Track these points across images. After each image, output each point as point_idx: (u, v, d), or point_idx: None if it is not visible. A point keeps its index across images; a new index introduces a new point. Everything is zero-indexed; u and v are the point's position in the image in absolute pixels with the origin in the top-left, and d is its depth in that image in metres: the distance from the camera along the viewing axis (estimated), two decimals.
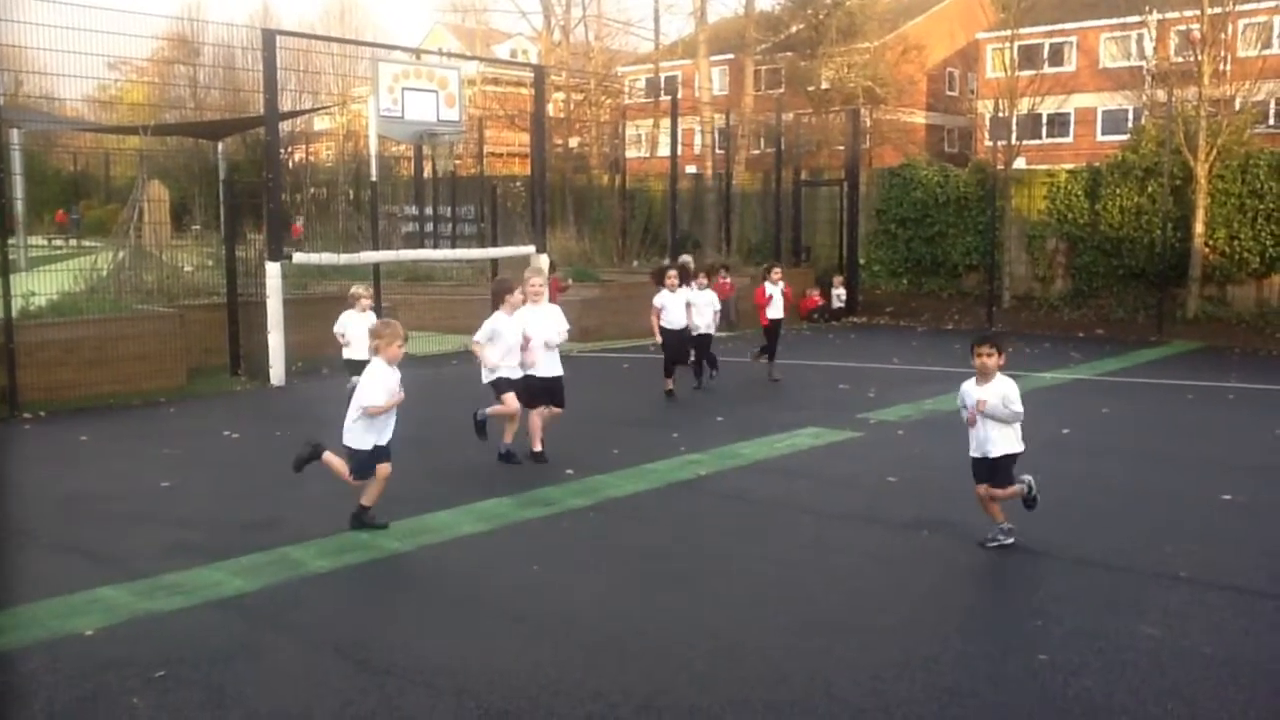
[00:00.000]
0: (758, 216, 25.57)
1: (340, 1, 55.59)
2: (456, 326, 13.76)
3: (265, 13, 47.97)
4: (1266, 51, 23.77)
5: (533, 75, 18.66)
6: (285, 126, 27.64)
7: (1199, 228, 19.48)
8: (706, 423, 11.30)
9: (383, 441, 7.23)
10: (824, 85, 39.48)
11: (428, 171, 26.88)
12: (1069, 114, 40.96)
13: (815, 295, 22.16)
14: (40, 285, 13.23)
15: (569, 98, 35.46)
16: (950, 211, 22.66)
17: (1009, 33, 23.21)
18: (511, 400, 9.08)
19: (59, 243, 31.03)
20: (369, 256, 15.54)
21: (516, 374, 9.16)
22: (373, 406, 7.07)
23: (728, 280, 16.85)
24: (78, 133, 34.63)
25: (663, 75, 37.56)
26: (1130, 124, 31.12)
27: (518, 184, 26.82)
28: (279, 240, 13.86)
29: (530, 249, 16.77)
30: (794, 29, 40.51)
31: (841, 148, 26.93)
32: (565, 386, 9.55)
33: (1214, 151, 19.29)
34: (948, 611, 6.13)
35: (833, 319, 21.93)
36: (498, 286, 9.47)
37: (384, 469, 7.26)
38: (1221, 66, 20.53)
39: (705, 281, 13.65)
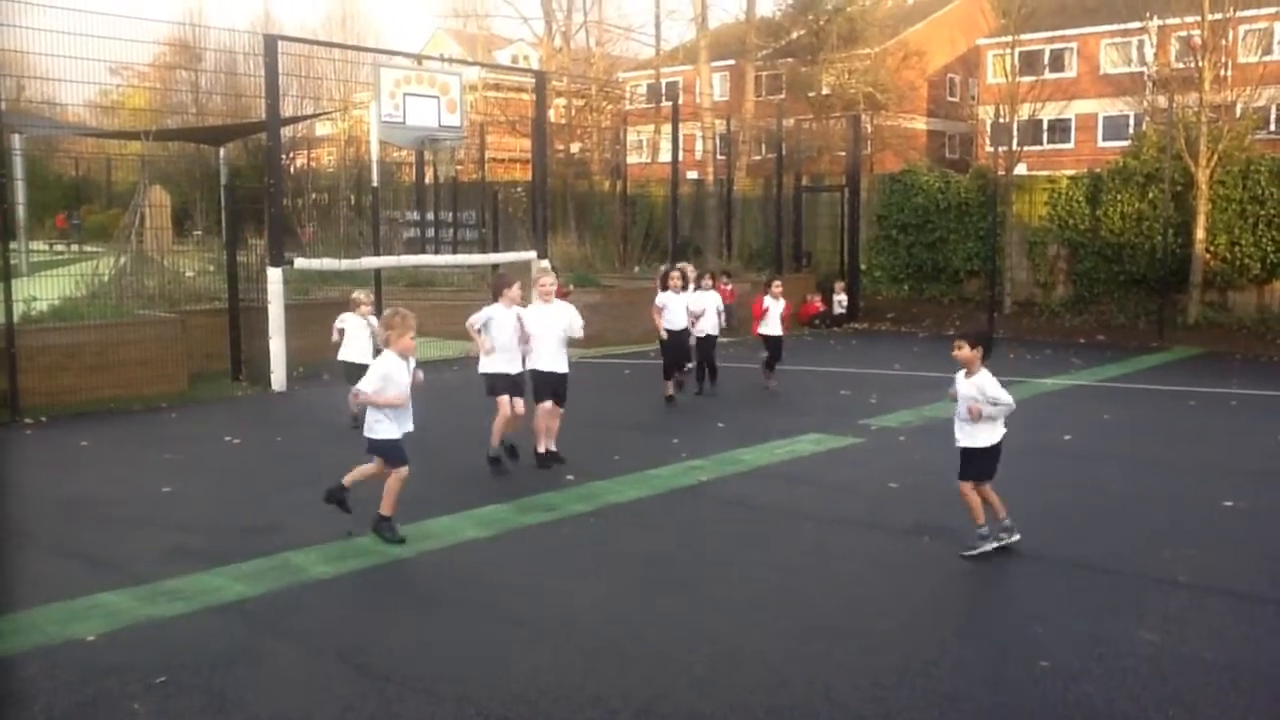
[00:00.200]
0: (759, 222, 25.59)
1: (342, 7, 55.82)
2: (458, 332, 13.67)
3: (267, 18, 48.11)
4: (1267, 58, 23.74)
5: (534, 81, 18.69)
6: (287, 132, 27.68)
7: (1200, 233, 19.49)
8: (708, 428, 11.30)
9: (410, 429, 7.24)
10: (825, 91, 39.50)
11: (429, 177, 26.95)
12: (1070, 120, 40.93)
13: (817, 301, 22.18)
14: (42, 290, 13.24)
15: (570, 103, 35.52)
16: (951, 217, 22.68)
17: (1010, 39, 23.24)
18: (505, 404, 9.09)
19: (60, 248, 31.11)
20: (370, 262, 15.55)
21: (512, 369, 9.17)
22: (365, 394, 7.03)
23: (729, 286, 16.87)
24: (79, 138, 34.67)
25: (664, 81, 37.62)
26: (1131, 130, 31.06)
27: (519, 189, 26.85)
28: (280, 245, 13.87)
29: (531, 254, 16.79)
30: (795, 35, 40.52)
31: (842, 153, 26.97)
32: (567, 390, 9.57)
33: (1215, 157, 19.31)
34: (948, 617, 6.13)
35: (834, 325, 21.94)
36: (497, 281, 9.55)
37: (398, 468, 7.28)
38: (1222, 72, 20.55)
39: (710, 282, 13.67)
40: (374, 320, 11.37)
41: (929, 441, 10.48)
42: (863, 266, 23.37)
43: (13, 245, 13.76)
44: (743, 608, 6.09)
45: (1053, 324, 21.03)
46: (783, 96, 38.93)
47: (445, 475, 8.99)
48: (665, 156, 26.79)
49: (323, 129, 38.92)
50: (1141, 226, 20.40)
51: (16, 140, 23.43)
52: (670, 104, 23.59)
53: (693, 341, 13.18)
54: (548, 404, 9.39)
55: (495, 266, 16.85)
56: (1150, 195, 20.27)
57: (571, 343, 9.61)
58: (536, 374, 9.38)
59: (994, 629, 5.89)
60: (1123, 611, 6.01)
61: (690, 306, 13.00)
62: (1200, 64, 20.01)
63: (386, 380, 7.09)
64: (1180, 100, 20.61)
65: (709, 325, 13.25)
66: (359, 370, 11.10)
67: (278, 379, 13.47)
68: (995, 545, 6.99)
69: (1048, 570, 6.77)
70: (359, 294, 12.04)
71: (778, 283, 14.37)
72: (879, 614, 6.00)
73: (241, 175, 28.85)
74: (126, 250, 16.14)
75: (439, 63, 23.45)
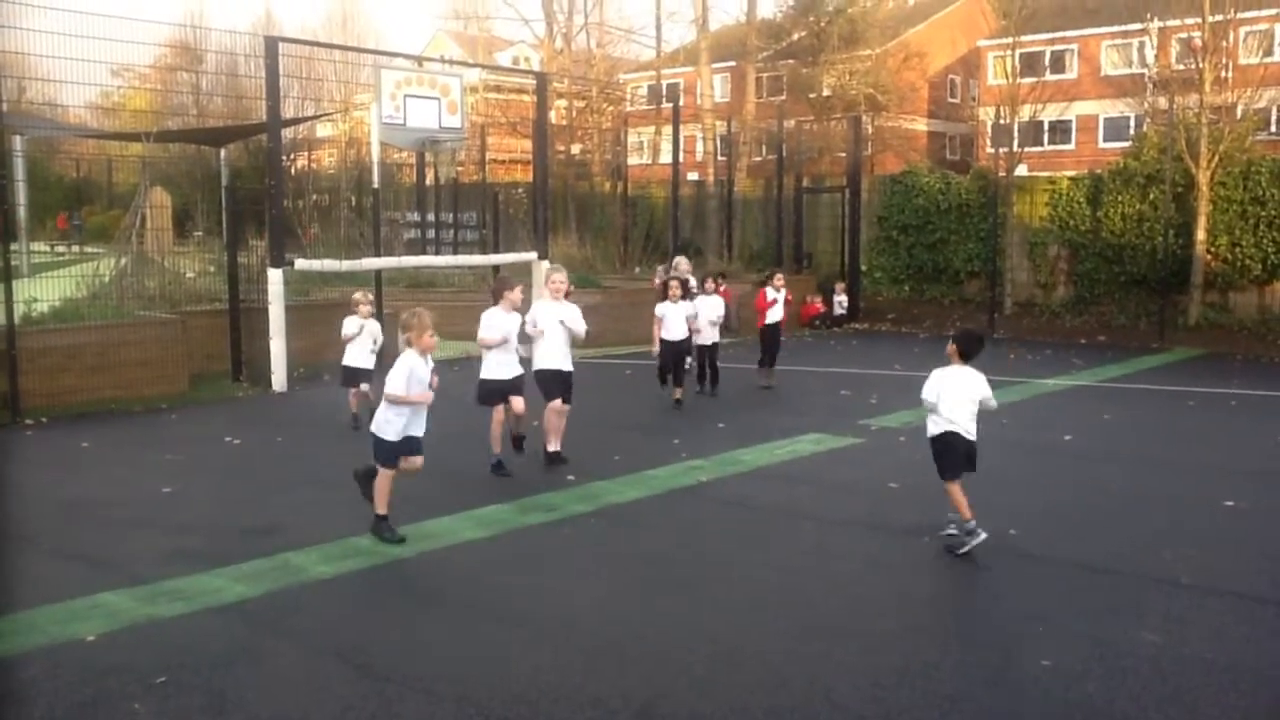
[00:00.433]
0: (759, 223, 25.60)
1: (343, 9, 55.82)
2: (458, 333, 13.72)
3: (268, 20, 48.12)
4: (1268, 59, 23.75)
5: (535, 82, 18.70)
6: (288, 133, 27.70)
7: (1201, 234, 19.49)
8: (708, 429, 11.30)
9: (414, 432, 7.25)
10: (826, 92, 39.49)
11: (430, 178, 26.93)
12: (1071, 121, 40.93)
13: (817, 302, 22.18)
14: (42, 291, 13.25)
15: (571, 105, 35.54)
16: (952, 218, 22.68)
17: (1010, 40, 23.24)
18: (499, 413, 9.05)
19: (61, 249, 31.10)
20: (371, 263, 15.55)
21: (510, 373, 9.12)
22: (394, 394, 7.09)
23: (724, 288, 16.82)
24: (80, 139, 34.65)
25: (664, 82, 37.65)
26: (1132, 131, 31.07)
27: (520, 191, 26.86)
28: (281, 246, 13.88)
29: (532, 255, 16.79)
30: (796, 36, 40.52)
31: (843, 154, 26.98)
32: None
33: (1216, 158, 19.30)
34: (948, 617, 6.13)
35: (834, 326, 21.94)
36: (498, 284, 9.48)
37: (415, 461, 7.28)
38: (1223, 74, 20.54)
39: (713, 287, 13.63)
40: (375, 325, 11.38)
41: (929, 442, 10.44)
42: (863, 267, 23.38)
43: (14, 246, 13.76)
44: (743, 608, 6.09)
45: (1053, 325, 21.02)
46: (783, 98, 38.90)
47: (445, 475, 8.98)
48: (666, 158, 26.81)
49: (323, 130, 38.93)
50: (1142, 227, 20.40)
51: (18, 142, 23.43)
52: (671, 105, 23.61)
53: (694, 342, 13.15)
54: (557, 402, 9.38)
55: (496, 268, 16.86)
56: (1151, 196, 20.27)
57: (573, 343, 9.60)
58: (545, 373, 9.35)
59: (994, 629, 5.89)
60: (1123, 612, 6.01)
61: (690, 315, 12.85)
62: (1201, 65, 20.01)
63: (412, 379, 7.14)
64: (1181, 102, 20.61)
65: (710, 335, 13.23)
66: (354, 373, 11.12)
67: (278, 380, 13.48)
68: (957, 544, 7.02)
69: (1048, 570, 6.77)
70: (358, 295, 12.04)
71: (779, 274, 14.43)
72: (879, 614, 6.00)
73: (242, 176, 28.87)
74: (127, 251, 16.14)
75: (440, 64, 23.47)
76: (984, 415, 7.30)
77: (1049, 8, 34.97)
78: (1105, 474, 9.39)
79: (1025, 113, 22.73)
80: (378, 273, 15.57)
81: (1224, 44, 20.60)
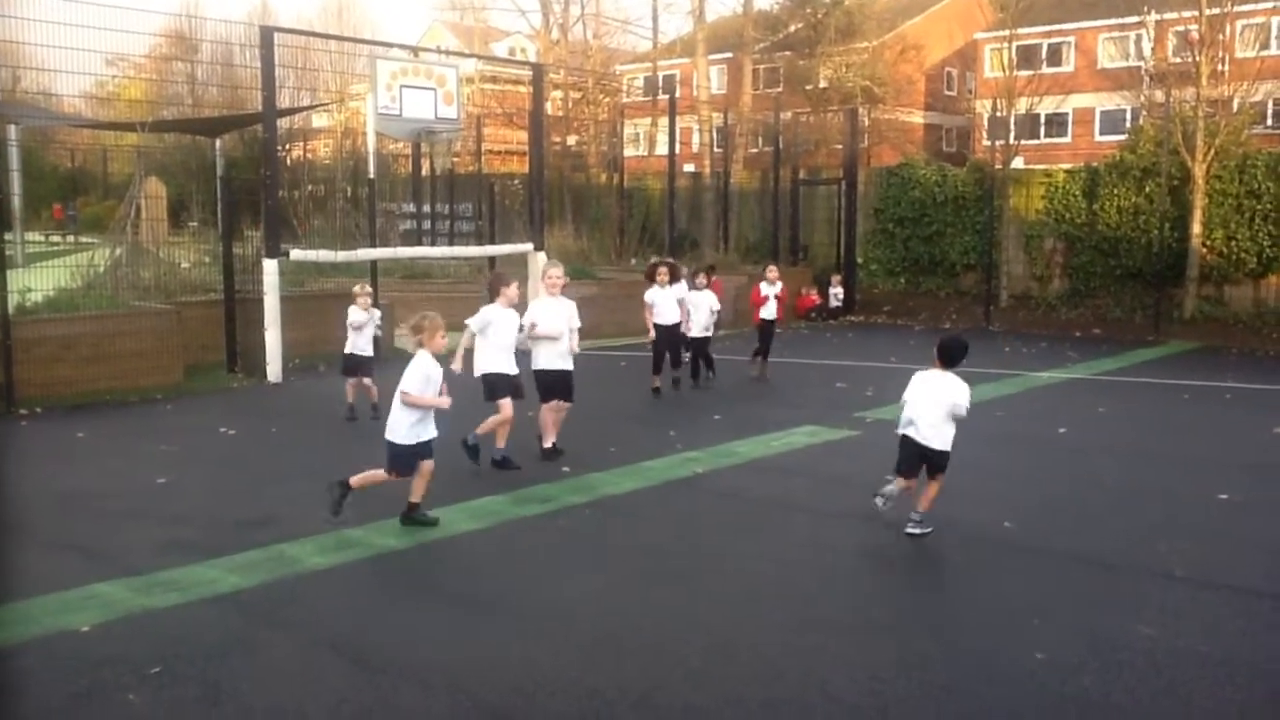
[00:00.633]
0: (756, 215, 25.58)
1: None
2: (454, 324, 13.63)
3: (263, 10, 47.92)
4: (1264, 52, 23.81)
5: (531, 73, 18.66)
6: (283, 123, 27.60)
7: (1196, 228, 19.50)
8: (703, 421, 11.30)
9: (426, 436, 7.26)
10: (822, 84, 39.47)
11: (426, 169, 26.89)
12: (1067, 114, 40.93)
13: (813, 294, 22.17)
14: (37, 281, 13.21)
15: (567, 96, 35.46)
16: (948, 211, 22.69)
17: (1007, 33, 23.20)
18: (507, 407, 8.87)
19: (56, 239, 30.99)
20: (366, 254, 15.52)
21: (511, 369, 9.05)
22: (407, 395, 7.10)
23: (715, 280, 16.80)
24: (75, 129, 34.58)
25: (661, 74, 37.62)
26: (1128, 124, 31.13)
27: (516, 182, 26.82)
28: (276, 237, 13.84)
29: (528, 246, 16.76)
30: (792, 28, 40.49)
31: (839, 147, 26.93)
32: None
33: (1211, 152, 19.31)
34: (943, 609, 6.13)
35: (830, 318, 21.93)
36: (494, 280, 9.42)
37: (427, 465, 7.30)
38: (1219, 67, 20.56)
39: (705, 281, 13.62)
40: (376, 313, 11.37)
41: None
42: (859, 260, 23.37)
43: (8, 236, 13.73)
44: (738, 600, 6.09)
45: (1049, 317, 21.04)
46: (780, 90, 38.90)
47: (440, 467, 8.95)
48: (662, 149, 26.79)
49: (319, 121, 38.84)
50: (1138, 221, 20.42)
51: (12, 131, 23.40)
52: (667, 97, 23.57)
53: (688, 337, 13.16)
54: (555, 402, 9.35)
55: (492, 260, 16.83)
56: (1147, 189, 20.28)
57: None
58: (550, 374, 9.29)
59: (990, 622, 5.89)
60: (1118, 605, 6.02)
61: (684, 304, 12.91)
62: (1197, 59, 19.99)
63: (427, 382, 7.18)
64: (1177, 95, 20.60)
65: (701, 327, 13.22)
66: (356, 361, 11.11)
67: (273, 370, 13.45)
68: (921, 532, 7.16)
69: (1043, 563, 6.78)
70: (358, 288, 12.01)
71: (773, 269, 14.43)
72: (874, 606, 6.01)
73: (238, 167, 28.76)
74: (122, 241, 16.11)
75: (436, 55, 23.39)
76: (976, 410, 7.31)
77: (1046, 0, 34.95)
78: (1100, 467, 9.40)
79: (1022, 105, 22.71)
80: (373, 264, 15.54)
81: (1220, 37, 20.59)
